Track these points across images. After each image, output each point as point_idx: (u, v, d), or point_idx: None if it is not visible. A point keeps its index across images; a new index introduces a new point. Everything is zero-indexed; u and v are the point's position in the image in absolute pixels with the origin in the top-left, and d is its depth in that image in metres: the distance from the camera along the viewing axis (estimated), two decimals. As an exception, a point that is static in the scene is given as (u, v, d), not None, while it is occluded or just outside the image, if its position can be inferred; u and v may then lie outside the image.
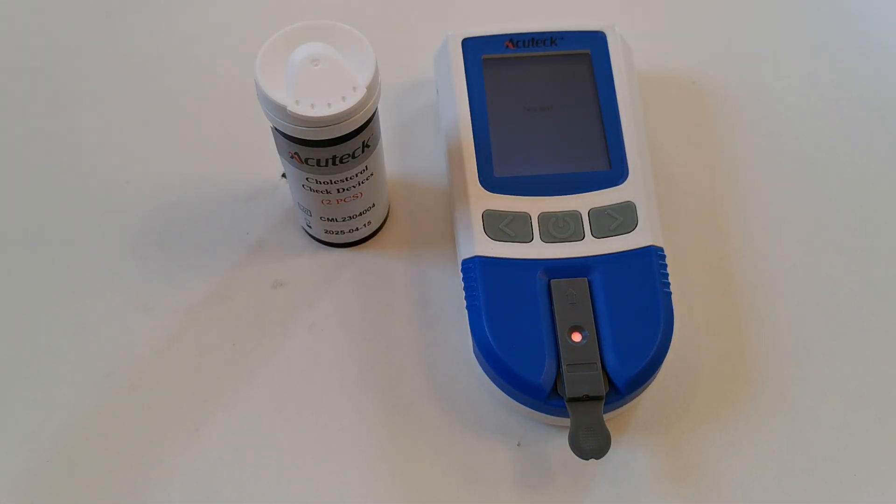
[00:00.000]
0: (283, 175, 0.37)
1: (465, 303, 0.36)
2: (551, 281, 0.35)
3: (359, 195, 0.37)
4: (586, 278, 0.35)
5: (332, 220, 0.38)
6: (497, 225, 0.36)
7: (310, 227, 0.39)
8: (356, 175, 0.36)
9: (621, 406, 0.35)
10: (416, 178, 0.42)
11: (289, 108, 0.32)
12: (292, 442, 0.36)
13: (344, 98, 0.32)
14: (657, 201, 0.38)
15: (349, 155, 0.34)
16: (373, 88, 0.33)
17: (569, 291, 0.35)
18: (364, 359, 0.37)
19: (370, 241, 0.40)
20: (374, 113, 0.34)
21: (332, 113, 0.32)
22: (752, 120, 0.44)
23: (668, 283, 0.35)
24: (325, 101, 0.32)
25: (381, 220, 0.40)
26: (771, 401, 0.36)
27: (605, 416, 0.34)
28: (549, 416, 0.35)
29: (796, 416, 0.36)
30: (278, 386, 0.37)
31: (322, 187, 0.36)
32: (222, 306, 0.39)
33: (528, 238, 0.36)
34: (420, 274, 0.39)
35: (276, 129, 0.34)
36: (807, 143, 0.43)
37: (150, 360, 0.37)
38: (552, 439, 0.36)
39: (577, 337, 0.34)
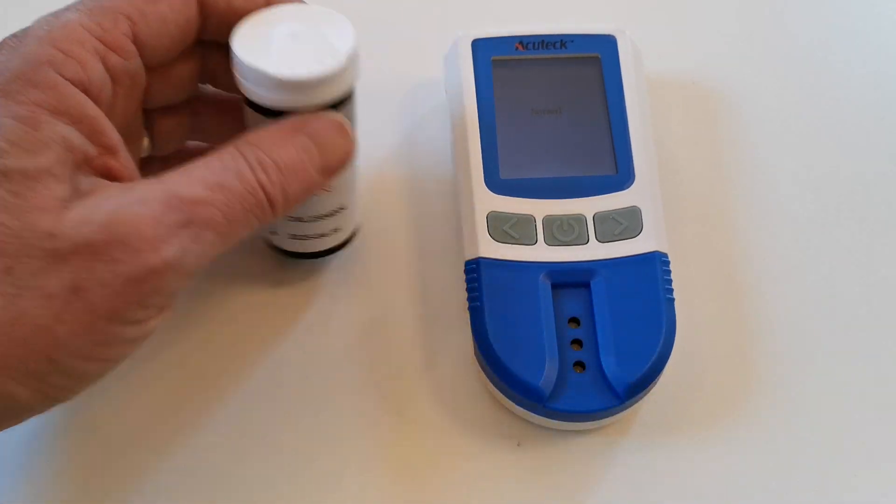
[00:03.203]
0: None
1: (466, 304, 0.36)
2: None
3: (326, 188, 0.35)
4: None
5: (298, 219, 0.36)
6: (501, 227, 0.36)
7: (275, 233, 0.37)
8: None
9: (622, 411, 0.35)
10: (423, 178, 0.42)
11: (269, 70, 0.31)
12: (291, 444, 0.36)
13: (322, 62, 0.31)
14: (662, 207, 0.37)
15: None
16: (353, 59, 0.32)
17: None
18: (364, 358, 0.37)
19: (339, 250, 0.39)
20: (351, 96, 0.33)
21: (314, 75, 0.31)
22: (761, 126, 0.44)
23: (672, 290, 0.35)
24: (305, 67, 0.31)
25: (349, 233, 0.38)
26: (773, 406, 0.36)
27: (606, 421, 0.35)
28: (548, 419, 0.35)
29: (799, 422, 0.36)
30: (277, 387, 0.37)
31: None
32: (225, 311, 0.39)
33: (531, 240, 0.36)
34: (423, 274, 0.39)
35: (249, 101, 0.33)
36: (816, 150, 0.43)
37: (151, 361, 0.37)
38: (552, 439, 0.36)
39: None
